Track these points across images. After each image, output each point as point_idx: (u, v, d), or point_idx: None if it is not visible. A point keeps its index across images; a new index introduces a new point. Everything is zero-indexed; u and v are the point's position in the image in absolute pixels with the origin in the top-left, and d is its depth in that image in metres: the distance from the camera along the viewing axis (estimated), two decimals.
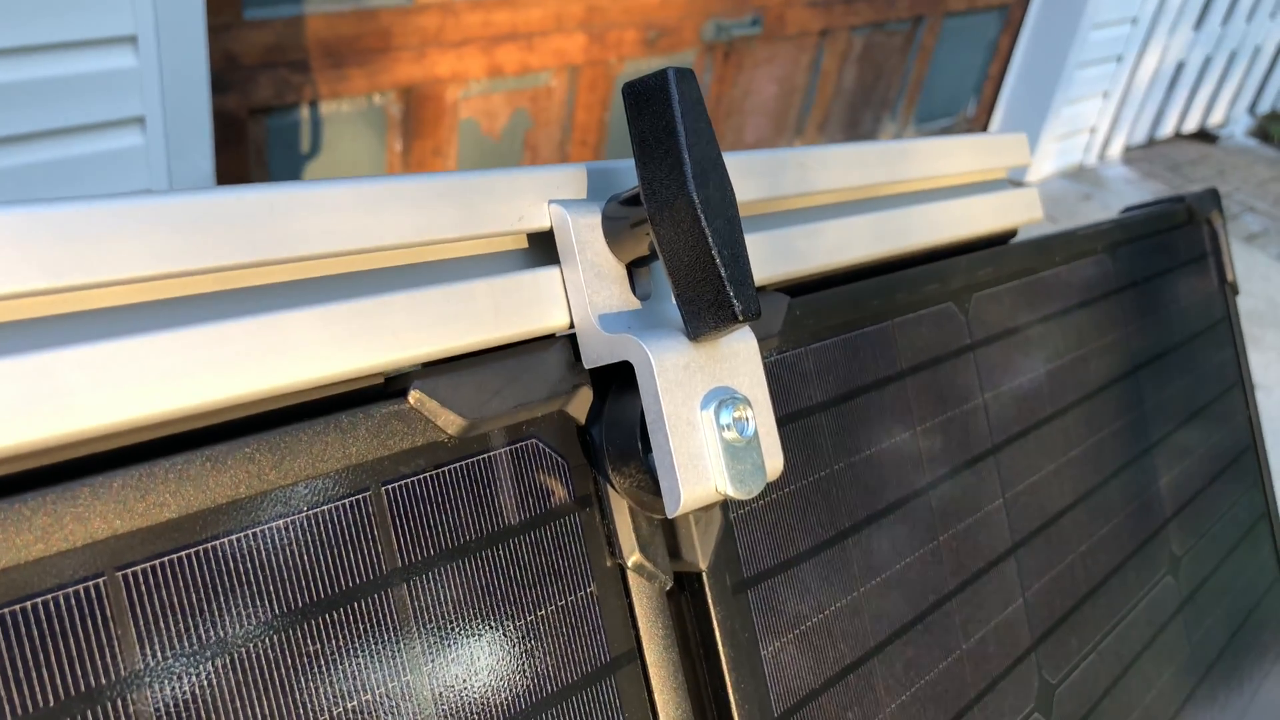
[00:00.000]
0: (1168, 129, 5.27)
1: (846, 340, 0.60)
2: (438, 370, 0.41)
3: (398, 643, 0.39)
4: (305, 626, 0.37)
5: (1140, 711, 0.80)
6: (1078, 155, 4.69)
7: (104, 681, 0.32)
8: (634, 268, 0.47)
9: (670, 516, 0.43)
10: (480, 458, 0.43)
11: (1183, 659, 0.87)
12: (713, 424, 0.43)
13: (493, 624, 0.42)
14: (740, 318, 0.41)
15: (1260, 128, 5.86)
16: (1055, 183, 4.55)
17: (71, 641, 0.31)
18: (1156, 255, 0.95)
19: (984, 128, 4.40)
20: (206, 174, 2.06)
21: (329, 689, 0.37)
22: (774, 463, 0.46)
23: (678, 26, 2.89)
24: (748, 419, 0.44)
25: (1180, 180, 4.90)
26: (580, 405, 0.46)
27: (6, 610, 0.30)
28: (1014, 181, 0.82)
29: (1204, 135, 5.56)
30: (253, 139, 2.23)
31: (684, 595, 0.50)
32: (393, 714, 0.39)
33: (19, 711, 0.30)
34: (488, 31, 2.45)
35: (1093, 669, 0.76)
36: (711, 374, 0.44)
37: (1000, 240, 0.79)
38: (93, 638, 0.32)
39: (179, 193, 0.35)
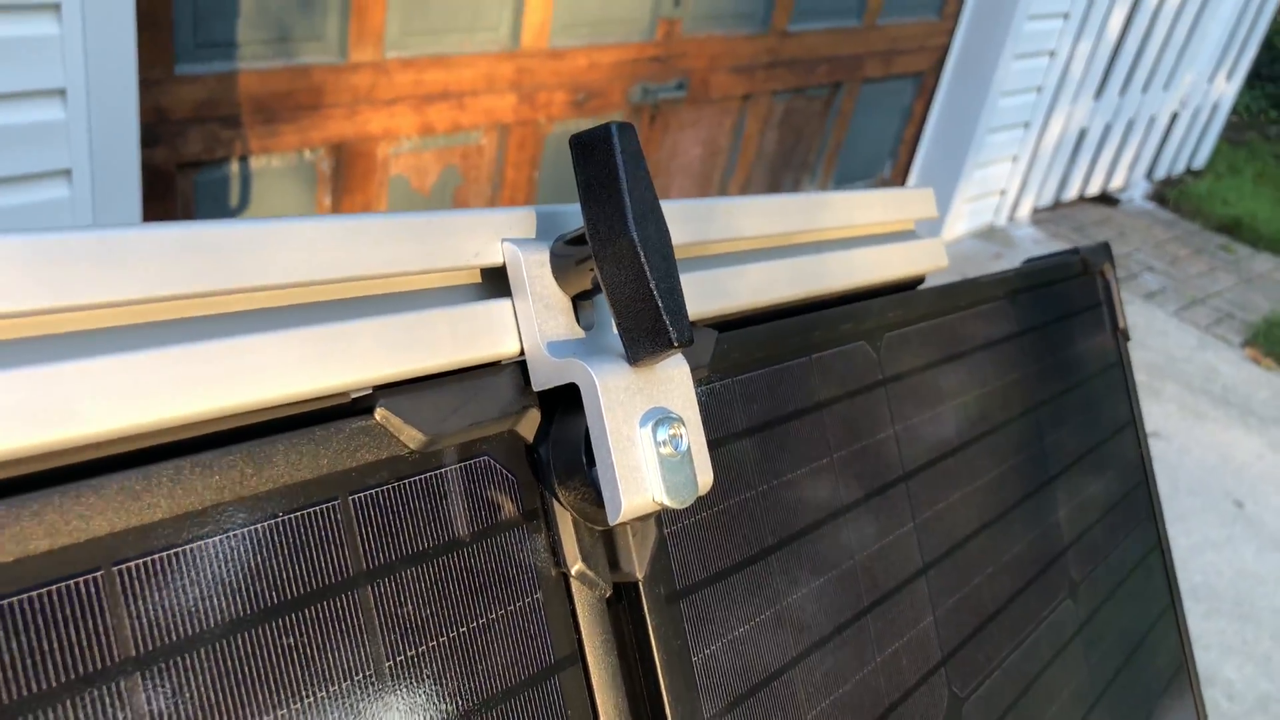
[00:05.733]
0: (1072, 192, 5.53)
1: (769, 373, 0.65)
2: (400, 390, 0.45)
3: (362, 640, 0.42)
4: (279, 622, 0.40)
5: None
6: (989, 216, 4.89)
7: (98, 668, 0.35)
8: (579, 300, 0.51)
9: (612, 525, 0.48)
10: (437, 472, 0.47)
11: (1082, 678, 0.93)
12: (650, 440, 0.48)
13: (448, 625, 0.46)
14: (675, 343, 0.46)
15: (1157, 192, 6.16)
16: (968, 242, 4.73)
17: (71, 630, 0.34)
18: (1054, 303, 1.03)
19: None
20: None
21: (299, 679, 0.40)
22: (705, 477, 0.51)
23: (605, 89, 2.97)
24: (681, 436, 0.49)
25: (1085, 240, 5.12)
26: (529, 425, 0.50)
27: (15, 599, 0.33)
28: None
29: (1106, 199, 5.83)
30: (181, 193, 2.24)
31: (622, 604, 0.54)
32: (356, 705, 0.42)
33: (24, 693, 0.33)
34: (419, 90, 2.50)
35: (998, 684, 0.81)
36: (649, 396, 0.49)
37: (909, 286, 0.85)
38: (90, 627, 0.35)
39: (171, 225, 0.39)
